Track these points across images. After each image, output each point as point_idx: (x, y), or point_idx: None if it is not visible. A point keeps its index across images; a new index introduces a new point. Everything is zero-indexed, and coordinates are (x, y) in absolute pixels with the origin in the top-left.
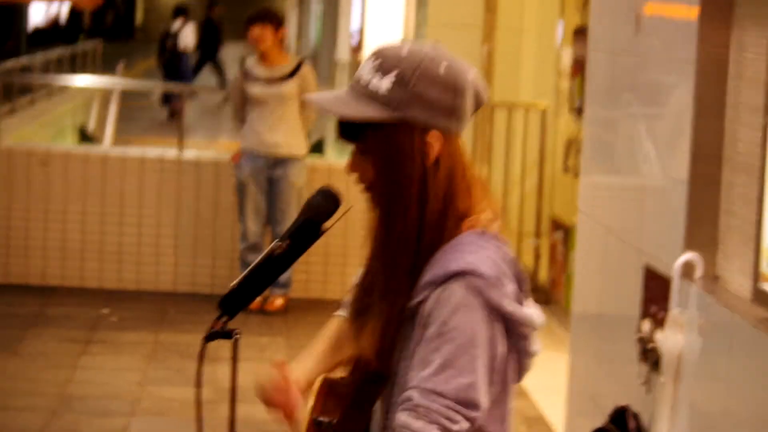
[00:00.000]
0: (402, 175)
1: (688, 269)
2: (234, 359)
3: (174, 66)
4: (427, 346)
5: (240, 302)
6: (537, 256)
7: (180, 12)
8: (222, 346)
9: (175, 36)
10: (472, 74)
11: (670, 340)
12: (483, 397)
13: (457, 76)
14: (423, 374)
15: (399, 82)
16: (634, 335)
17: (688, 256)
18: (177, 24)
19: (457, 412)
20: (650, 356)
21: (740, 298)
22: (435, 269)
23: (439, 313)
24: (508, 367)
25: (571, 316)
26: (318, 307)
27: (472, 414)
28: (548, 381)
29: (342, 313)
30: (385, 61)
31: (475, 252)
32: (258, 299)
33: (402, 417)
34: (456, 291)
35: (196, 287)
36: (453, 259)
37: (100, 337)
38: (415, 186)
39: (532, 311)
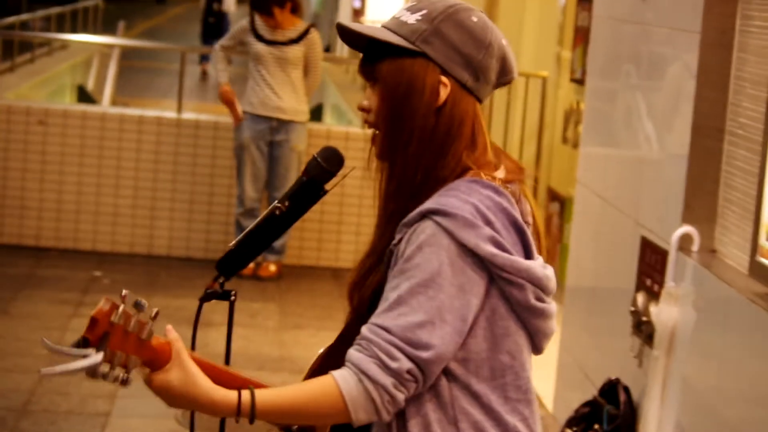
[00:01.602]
0: (409, 107)
1: (685, 242)
2: (230, 320)
3: (217, 26)
4: (389, 283)
5: (237, 263)
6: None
7: None
8: (214, 311)
9: None
10: (503, 41)
11: (664, 313)
12: (438, 341)
13: (486, 31)
14: (378, 310)
15: (426, 17)
16: (627, 308)
17: (686, 228)
18: None
19: (400, 349)
20: (644, 329)
21: (737, 272)
22: (413, 212)
23: (405, 251)
24: (497, 319)
25: (564, 289)
26: (311, 274)
27: (419, 354)
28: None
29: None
30: (417, 3)
31: (457, 196)
32: (251, 265)
33: (350, 350)
34: (424, 229)
35: (190, 252)
36: (432, 201)
37: (91, 300)
38: (419, 121)
39: (534, 263)
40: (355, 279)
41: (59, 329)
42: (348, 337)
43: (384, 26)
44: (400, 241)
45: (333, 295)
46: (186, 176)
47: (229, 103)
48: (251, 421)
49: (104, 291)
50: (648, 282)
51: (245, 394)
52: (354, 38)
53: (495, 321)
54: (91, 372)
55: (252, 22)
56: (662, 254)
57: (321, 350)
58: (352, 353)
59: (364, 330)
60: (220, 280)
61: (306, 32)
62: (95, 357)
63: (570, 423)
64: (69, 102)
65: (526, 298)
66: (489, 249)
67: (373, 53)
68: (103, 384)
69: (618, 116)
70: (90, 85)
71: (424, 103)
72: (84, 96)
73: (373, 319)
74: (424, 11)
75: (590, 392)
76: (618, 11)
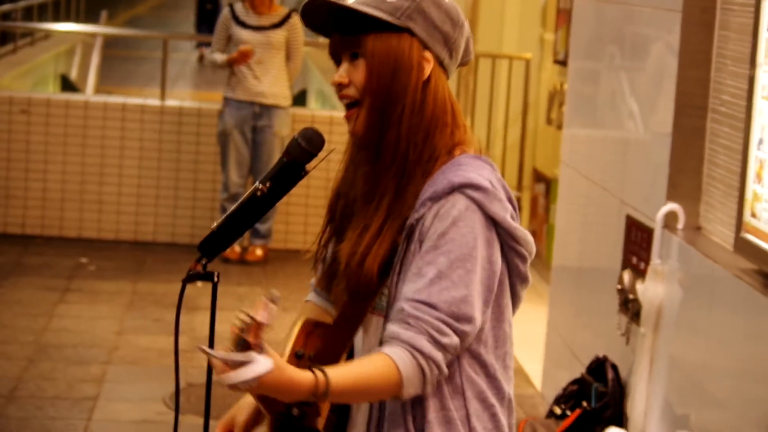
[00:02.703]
0: (400, 83)
1: (670, 220)
2: (213, 301)
3: (213, 13)
4: (422, 259)
5: (220, 245)
6: (519, 208)
7: None
8: (200, 295)
9: None
10: (467, 23)
11: (650, 291)
12: (477, 313)
13: (458, 11)
14: (417, 286)
15: None
16: (614, 286)
17: (671, 206)
18: None
19: (448, 325)
20: (630, 307)
21: (723, 249)
22: (436, 186)
23: (438, 226)
24: (504, 289)
25: (551, 269)
26: (297, 258)
27: (464, 328)
28: (527, 333)
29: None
30: None
31: (474, 170)
32: (238, 249)
33: (392, 327)
34: (456, 203)
35: (176, 237)
36: (454, 175)
37: (77, 286)
38: (410, 96)
39: (530, 237)
40: (356, 255)
41: (45, 316)
42: (352, 317)
43: (361, 3)
44: (423, 216)
45: None
46: (170, 163)
47: (243, 55)
48: (322, 401)
49: (90, 277)
50: (634, 260)
51: (320, 375)
52: (322, 16)
53: (502, 292)
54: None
55: (232, 11)
56: (648, 232)
57: (296, 329)
58: (401, 332)
59: (408, 308)
60: (203, 262)
61: (288, 16)
62: (265, 364)
63: (558, 401)
64: (52, 91)
65: (525, 268)
66: (511, 222)
67: (353, 29)
68: (91, 368)
69: (601, 97)
70: (73, 75)
71: (414, 78)
72: (67, 85)
73: (414, 295)
74: None
75: (578, 370)
76: None
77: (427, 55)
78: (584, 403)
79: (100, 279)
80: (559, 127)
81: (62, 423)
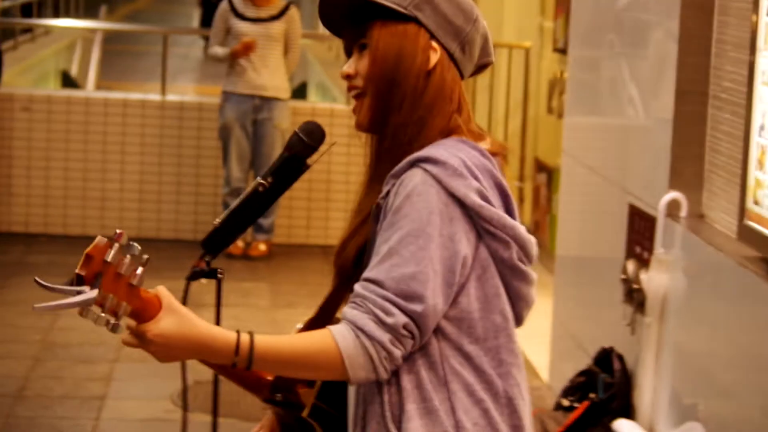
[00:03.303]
0: (402, 69)
1: (673, 208)
2: (218, 298)
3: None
4: (380, 237)
5: (223, 241)
6: (521, 199)
7: None
8: (204, 292)
9: None
10: (484, 21)
11: (654, 280)
12: (430, 293)
13: (473, 6)
14: (371, 265)
15: None
16: (618, 277)
17: (673, 194)
18: None
19: (394, 303)
20: (635, 297)
21: (726, 237)
22: (401, 163)
23: (394, 202)
24: (489, 277)
25: (555, 259)
26: (301, 253)
27: (412, 306)
28: (532, 325)
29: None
30: None
31: (446, 149)
32: (241, 245)
33: (345, 308)
34: (412, 178)
35: (179, 233)
36: (419, 152)
37: None
38: (412, 83)
39: (518, 224)
40: (340, 243)
41: (50, 315)
42: (332, 302)
43: None
44: (387, 193)
45: (324, 272)
46: (172, 158)
47: (246, 47)
48: (248, 367)
49: None
50: (637, 249)
51: (244, 335)
52: (336, 13)
53: (486, 279)
54: (85, 310)
55: (231, 3)
56: (650, 221)
57: (299, 325)
58: (347, 311)
59: (357, 287)
60: (207, 259)
61: (286, 8)
62: (90, 293)
63: (566, 393)
64: (53, 88)
65: (511, 256)
66: (476, 200)
67: (361, 19)
68: (98, 367)
69: (602, 85)
70: (74, 71)
71: (416, 65)
72: (68, 81)
73: (366, 273)
74: None
75: (585, 362)
76: None
77: (435, 45)
78: (592, 395)
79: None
80: (560, 116)
81: (70, 422)
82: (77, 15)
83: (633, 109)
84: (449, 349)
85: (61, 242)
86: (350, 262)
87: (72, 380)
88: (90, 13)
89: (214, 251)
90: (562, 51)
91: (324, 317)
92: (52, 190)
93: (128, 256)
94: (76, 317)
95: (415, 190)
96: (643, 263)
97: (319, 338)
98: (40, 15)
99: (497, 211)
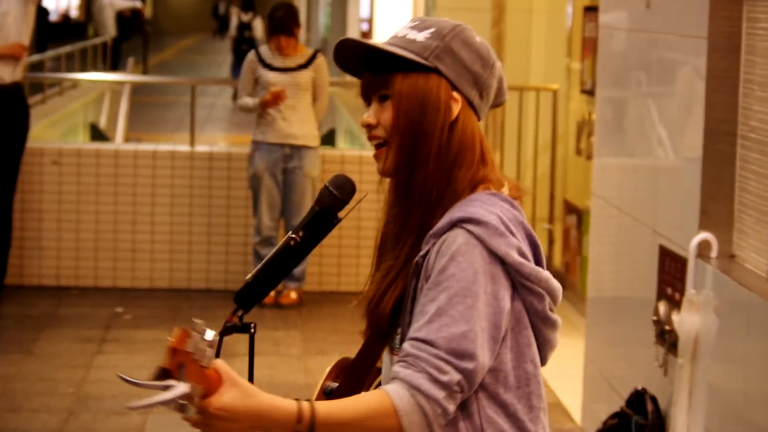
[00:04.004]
0: (428, 122)
1: (703, 249)
2: (251, 353)
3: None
4: (425, 297)
5: (255, 296)
6: (551, 241)
7: (249, 5)
8: (237, 342)
9: (249, 26)
10: (499, 64)
11: (686, 321)
12: (480, 350)
13: (489, 51)
14: (418, 324)
15: (436, 34)
16: (650, 318)
17: (703, 235)
18: (248, 16)
19: (447, 362)
20: (667, 338)
21: (757, 276)
22: (441, 222)
23: (439, 262)
24: (522, 328)
25: (586, 301)
26: (332, 300)
27: (465, 365)
28: (564, 367)
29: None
30: (422, 23)
31: (481, 206)
32: (272, 293)
33: (395, 367)
34: (456, 239)
35: (210, 283)
36: (458, 211)
37: (114, 336)
38: (437, 136)
39: (550, 275)
40: (375, 297)
41: (83, 367)
42: (368, 355)
43: (389, 44)
44: (428, 252)
45: (355, 319)
46: (202, 208)
47: (276, 97)
48: None
49: (126, 327)
50: (669, 290)
51: (304, 403)
52: (352, 57)
53: (519, 331)
54: (177, 405)
55: (258, 54)
56: (681, 262)
57: (328, 368)
58: (400, 370)
59: (407, 347)
60: (239, 313)
61: (313, 57)
62: (181, 388)
63: None
64: (82, 141)
65: (544, 308)
66: (516, 258)
67: (380, 69)
68: (131, 419)
69: (630, 125)
70: (102, 123)
71: (441, 118)
72: (97, 134)
73: (414, 333)
74: (432, 29)
75: (617, 403)
76: (624, 20)
77: (456, 95)
78: None
79: (137, 328)
80: (589, 157)
81: None
82: (105, 68)
83: (662, 149)
84: (485, 399)
85: (92, 295)
86: (387, 317)
87: None
88: (118, 64)
89: (247, 306)
90: (590, 92)
91: (362, 371)
92: (83, 242)
93: (205, 344)
94: (108, 368)
95: (459, 250)
96: (675, 304)
97: (376, 400)
98: (69, 66)
99: (534, 266)
